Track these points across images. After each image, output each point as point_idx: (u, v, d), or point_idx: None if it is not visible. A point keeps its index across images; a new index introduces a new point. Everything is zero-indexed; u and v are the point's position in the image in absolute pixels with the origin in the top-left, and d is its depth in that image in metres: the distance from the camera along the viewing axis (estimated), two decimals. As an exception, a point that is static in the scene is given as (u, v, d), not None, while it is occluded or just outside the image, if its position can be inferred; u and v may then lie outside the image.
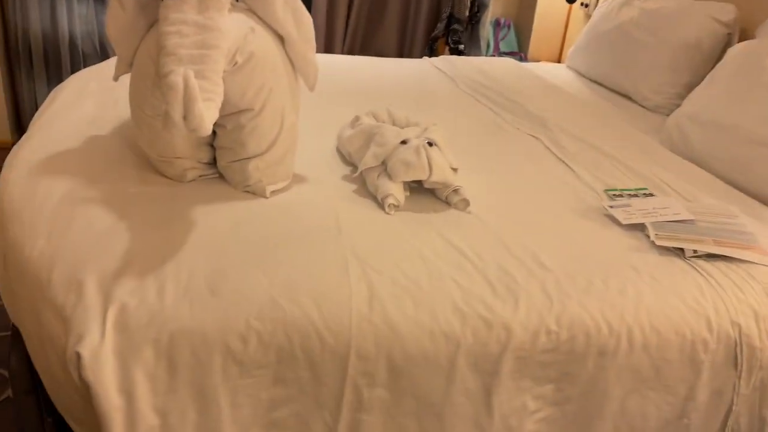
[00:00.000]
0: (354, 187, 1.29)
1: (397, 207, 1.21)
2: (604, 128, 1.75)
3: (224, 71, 1.04)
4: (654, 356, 1.00)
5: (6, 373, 1.57)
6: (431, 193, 1.29)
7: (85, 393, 0.84)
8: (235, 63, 1.08)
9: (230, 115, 1.15)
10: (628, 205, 1.31)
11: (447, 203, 1.26)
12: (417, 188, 1.29)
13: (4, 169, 1.21)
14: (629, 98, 2.14)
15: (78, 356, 0.82)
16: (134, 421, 0.84)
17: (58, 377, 0.89)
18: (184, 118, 0.90)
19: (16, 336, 1.15)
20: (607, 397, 1.01)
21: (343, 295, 0.95)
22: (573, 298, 1.01)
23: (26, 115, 2.67)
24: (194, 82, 0.90)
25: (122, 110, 1.47)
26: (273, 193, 1.20)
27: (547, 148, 1.59)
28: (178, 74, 0.90)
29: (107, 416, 0.83)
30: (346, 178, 1.33)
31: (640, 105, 2.08)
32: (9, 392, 1.52)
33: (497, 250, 1.10)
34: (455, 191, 1.25)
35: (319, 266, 0.99)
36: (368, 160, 1.26)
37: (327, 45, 2.91)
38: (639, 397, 1.02)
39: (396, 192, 1.21)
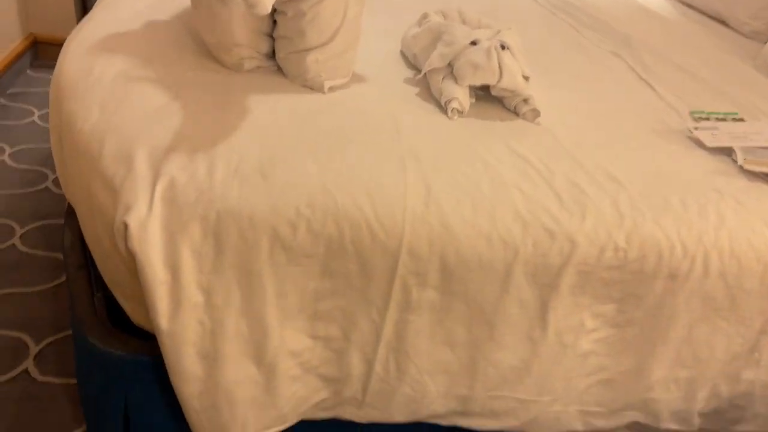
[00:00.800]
0: (416, 90, 1.22)
1: (460, 113, 1.13)
2: (693, 50, 1.60)
3: (288, -51, 0.97)
4: (731, 284, 0.92)
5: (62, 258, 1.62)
6: (498, 101, 1.20)
7: (132, 265, 0.83)
8: (300, -60, 1.00)
9: (291, 1, 1.08)
10: (716, 129, 1.19)
11: (515, 113, 1.18)
12: (484, 96, 1.21)
13: (64, 47, 1.19)
14: (724, 23, 1.95)
15: (125, 226, 0.81)
16: (179, 297, 0.82)
17: (107, 249, 0.88)
18: (243, -9, 0.84)
19: (70, 214, 1.15)
20: (674, 323, 0.94)
21: (398, 191, 0.89)
22: (647, 216, 0.93)
23: (93, 15, 2.66)
24: (255, -48, 0.84)
25: (183, -1, 1.42)
26: (331, 89, 1.14)
27: (630, 67, 1.47)
28: (239, -57, 0.84)
29: (152, 289, 0.81)
30: (408, 80, 1.25)
31: (735, 30, 1.89)
32: (65, 276, 1.56)
33: (566, 162, 1.02)
34: (525, 101, 1.16)
35: (374, 162, 0.94)
36: (434, 61, 1.17)
37: (397, -43, 2.76)
38: (708, 326, 0.95)
39: (461, 96, 1.13)
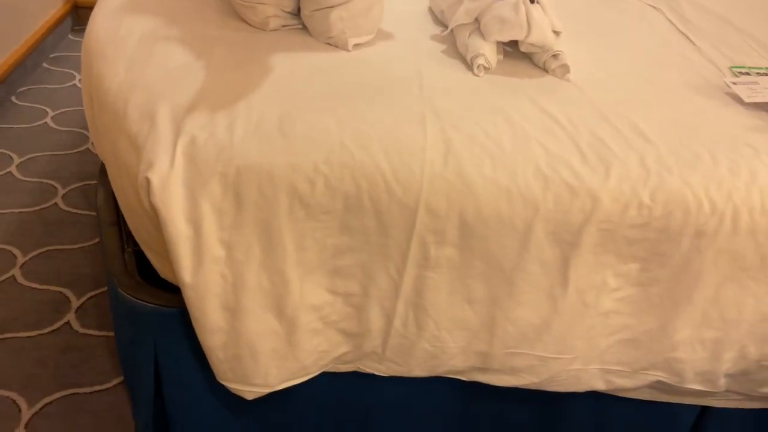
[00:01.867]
0: (443, 47, 1.20)
1: (487, 69, 1.11)
2: (739, 1, 1.52)
3: None
4: (761, 242, 0.89)
5: (104, 218, 1.68)
6: (527, 58, 1.17)
7: (156, 220, 0.85)
8: None
9: (315, -44, 1.07)
10: (756, 83, 1.14)
11: (544, 69, 1.15)
12: (512, 52, 1.18)
13: (94, 9, 1.22)
14: (775, -27, 1.85)
15: (148, 182, 0.83)
16: (201, 251, 0.85)
17: (133, 205, 0.91)
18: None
19: (103, 172, 1.19)
20: (700, 282, 0.92)
21: (417, 147, 0.89)
22: (674, 172, 0.90)
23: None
24: None
25: (210, -42, 1.42)
26: (355, 46, 1.13)
27: (668, 20, 1.41)
28: None
29: (175, 244, 0.84)
30: (435, 37, 1.23)
31: (787, -19, 1.79)
32: (106, 234, 1.62)
33: (593, 118, 1.00)
34: (554, 56, 1.13)
35: (394, 119, 0.93)
36: (460, 16, 1.15)
37: None
38: (737, 286, 0.92)
39: (488, 52, 1.11)
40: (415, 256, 0.89)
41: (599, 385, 1.00)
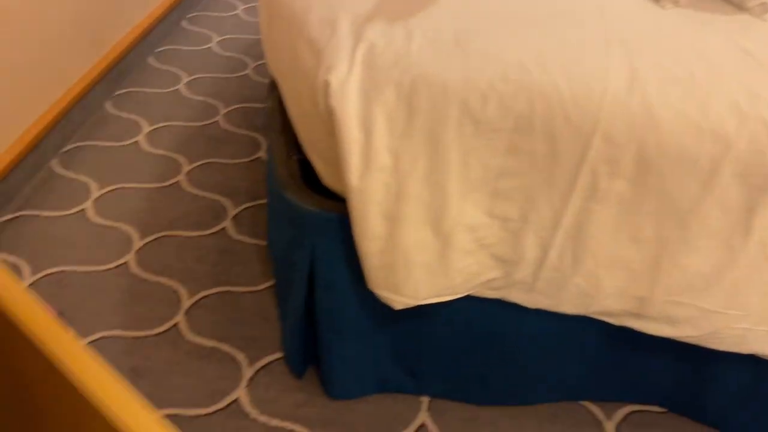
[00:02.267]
0: (626, -22, 1.12)
1: (675, 3, 1.02)
2: None
3: None
4: None
5: (258, 138, 1.77)
6: (721, -6, 1.07)
7: (328, 124, 0.88)
8: None
9: None
10: None
11: (738, 7, 1.04)
12: (704, -13, 1.08)
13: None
14: None
15: (326, 84, 0.85)
16: (369, 157, 0.86)
17: (307, 109, 0.94)
18: None
19: (272, 87, 1.25)
20: None
21: (599, 72, 0.84)
22: None
23: None
24: None
25: None
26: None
27: None
28: None
29: (347, 146, 0.86)
30: (618, -33, 1.15)
31: None
32: (259, 153, 1.71)
33: (800, 59, 0.89)
34: (755, -8, 1.02)
35: (575, 42, 0.89)
36: (651, -57, 1.06)
37: None
38: None
39: (679, -17, 1.02)
40: (583, 187, 0.86)
41: (765, 350, 0.92)
